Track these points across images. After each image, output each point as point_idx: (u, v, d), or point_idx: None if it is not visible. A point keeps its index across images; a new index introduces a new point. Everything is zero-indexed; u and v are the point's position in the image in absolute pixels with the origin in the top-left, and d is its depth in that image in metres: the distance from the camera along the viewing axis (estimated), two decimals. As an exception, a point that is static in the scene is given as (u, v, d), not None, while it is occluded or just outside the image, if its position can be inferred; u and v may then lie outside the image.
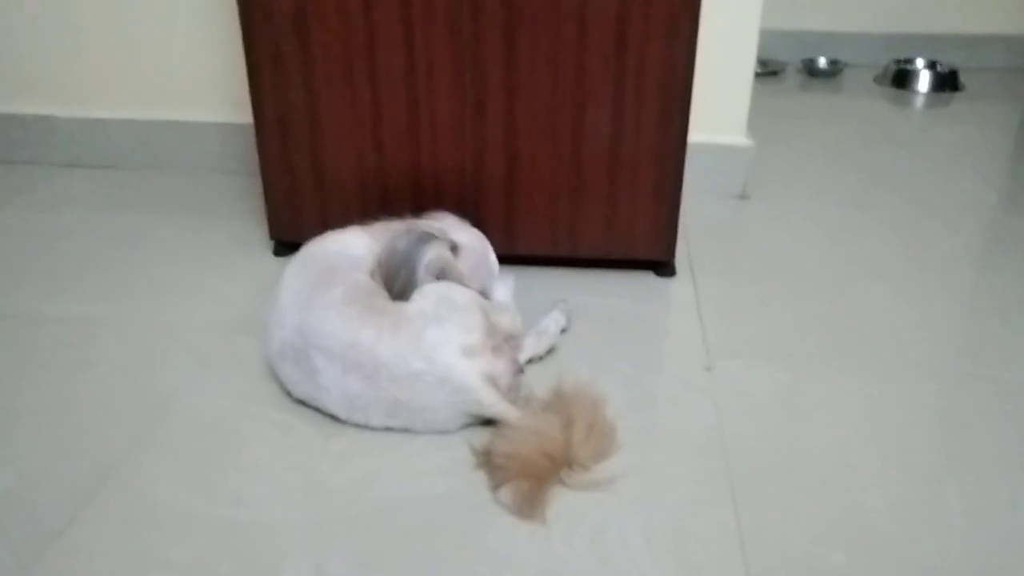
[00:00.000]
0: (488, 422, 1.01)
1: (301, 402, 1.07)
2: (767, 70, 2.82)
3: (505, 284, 1.27)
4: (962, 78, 2.75)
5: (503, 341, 1.05)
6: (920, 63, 2.81)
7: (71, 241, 1.54)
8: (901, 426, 1.06)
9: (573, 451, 0.95)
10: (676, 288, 1.39)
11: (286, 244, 1.46)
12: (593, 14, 1.23)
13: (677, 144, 1.31)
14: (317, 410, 1.06)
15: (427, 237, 1.13)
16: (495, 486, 0.93)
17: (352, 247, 1.14)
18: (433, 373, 0.98)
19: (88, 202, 1.72)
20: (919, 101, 2.61)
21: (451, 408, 1.00)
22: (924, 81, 2.72)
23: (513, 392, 1.02)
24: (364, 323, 1.01)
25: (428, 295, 1.07)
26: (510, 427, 0.97)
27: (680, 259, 1.46)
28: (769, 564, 0.85)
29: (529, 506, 0.90)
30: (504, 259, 1.42)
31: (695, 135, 1.63)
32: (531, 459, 0.93)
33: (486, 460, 0.96)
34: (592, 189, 1.35)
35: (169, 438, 1.02)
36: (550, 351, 1.18)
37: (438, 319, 1.02)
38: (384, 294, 1.10)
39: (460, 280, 1.12)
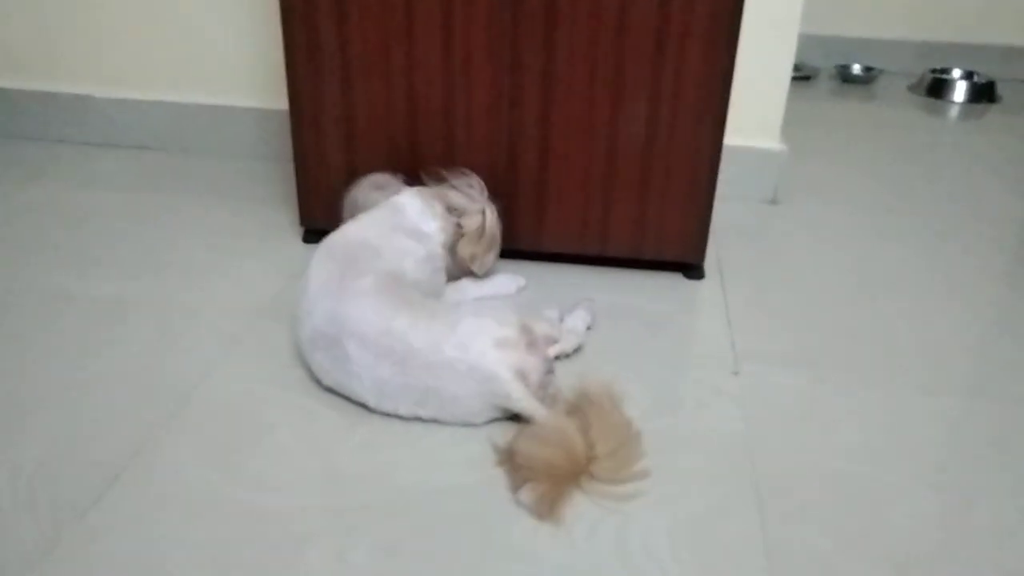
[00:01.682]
0: (514, 418, 1.01)
1: (330, 390, 1.07)
2: (801, 75, 2.79)
3: (490, 283, 1.30)
4: (999, 90, 2.72)
5: (538, 340, 1.05)
6: (957, 73, 2.78)
7: (101, 220, 1.55)
8: (929, 440, 1.05)
9: (596, 457, 0.94)
10: (704, 291, 1.38)
11: (316, 231, 1.46)
12: (634, 10, 1.22)
13: (712, 146, 1.30)
14: (343, 397, 1.06)
15: (379, 186, 1.22)
16: (515, 486, 0.93)
17: (371, 236, 1.16)
18: (465, 361, 0.99)
19: (120, 182, 1.73)
20: (954, 111, 2.58)
21: (480, 399, 1.00)
22: (960, 91, 2.68)
23: (542, 390, 1.02)
24: (398, 311, 1.02)
25: (467, 291, 1.08)
26: (534, 427, 0.97)
27: (709, 262, 1.45)
28: (793, 573, 0.84)
29: (548, 508, 0.90)
30: (533, 255, 1.42)
31: (728, 138, 1.61)
32: (553, 462, 0.92)
33: (508, 458, 0.96)
34: (624, 188, 1.34)
35: (195, 421, 1.03)
36: (577, 349, 1.17)
37: (475, 312, 1.03)
38: (417, 285, 1.11)
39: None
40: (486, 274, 1.31)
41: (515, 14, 1.25)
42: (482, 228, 1.26)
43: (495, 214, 1.28)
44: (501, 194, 1.37)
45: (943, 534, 0.90)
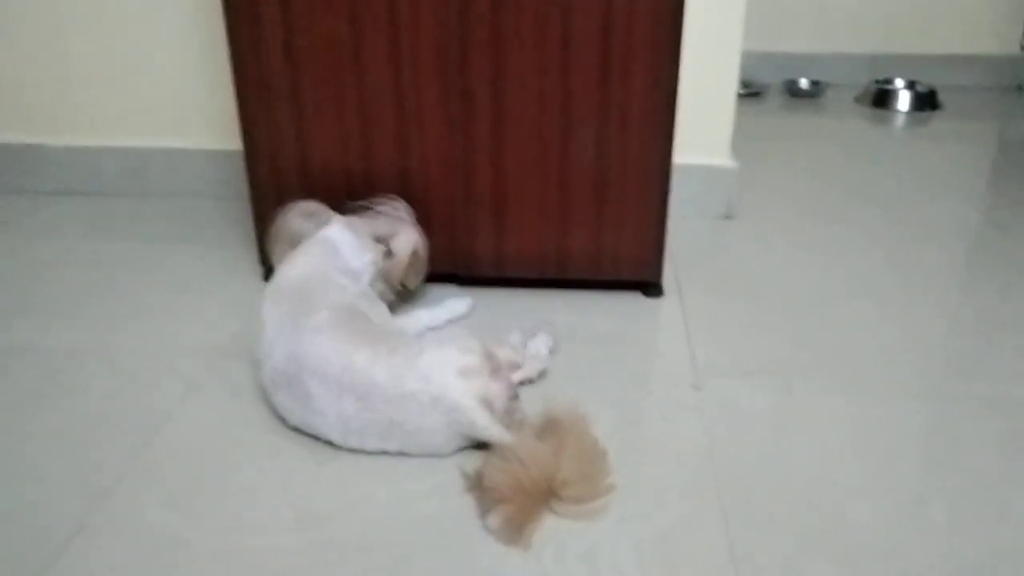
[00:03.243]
0: (481, 446, 1.02)
1: (296, 428, 1.07)
2: (749, 91, 2.85)
3: (440, 309, 1.32)
4: (941, 97, 2.80)
5: (501, 366, 1.06)
6: (900, 83, 2.85)
7: (59, 269, 1.54)
8: (887, 442, 1.07)
9: (563, 479, 0.94)
10: (664, 308, 1.40)
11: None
12: (577, 37, 1.25)
13: (663, 165, 1.33)
14: (309, 435, 1.06)
15: (307, 215, 1.24)
16: (484, 511, 0.93)
17: (312, 274, 1.17)
18: (428, 392, 0.99)
19: (76, 230, 1.72)
20: (899, 120, 2.65)
21: (445, 430, 1.00)
22: (904, 100, 2.76)
23: (508, 416, 1.03)
24: (356, 345, 1.02)
25: (420, 319, 1.10)
26: (501, 452, 0.97)
27: (667, 279, 1.48)
28: (760, 581, 0.86)
29: (516, 532, 0.90)
30: (493, 281, 1.44)
31: (680, 157, 1.64)
32: (521, 485, 0.93)
33: (476, 484, 0.96)
34: (579, 211, 1.36)
35: (160, 464, 1.02)
36: (541, 374, 1.19)
37: (437, 341, 1.04)
38: (368, 316, 1.11)
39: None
40: (415, 294, 1.35)
41: (462, 45, 1.27)
42: (413, 250, 1.30)
43: (422, 235, 1.32)
44: (458, 222, 1.39)
45: (900, 533, 0.92)
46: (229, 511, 0.95)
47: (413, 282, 1.33)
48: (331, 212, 1.29)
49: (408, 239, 1.30)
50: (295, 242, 1.25)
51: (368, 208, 1.32)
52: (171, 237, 1.68)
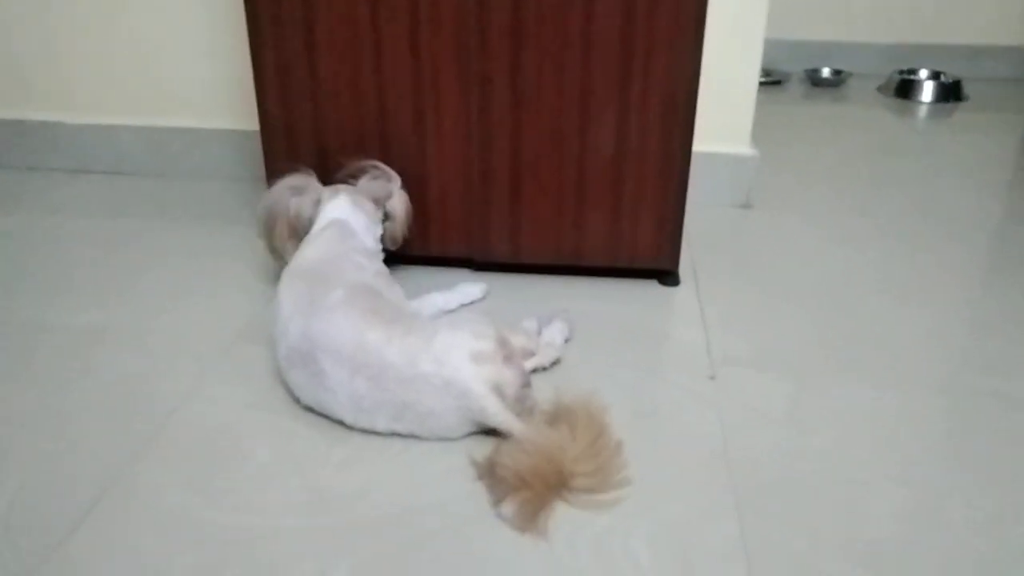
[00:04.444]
0: (492, 432, 1.01)
1: (309, 409, 1.07)
2: (771, 79, 2.82)
3: (454, 293, 1.33)
4: (966, 89, 2.76)
5: (514, 353, 1.05)
6: (924, 73, 2.82)
7: (75, 247, 1.55)
8: (905, 437, 1.06)
9: (575, 470, 0.94)
10: (680, 297, 1.39)
11: (291, 251, 1.46)
12: (598, 25, 1.24)
13: (681, 154, 1.31)
14: (322, 417, 1.06)
15: (297, 190, 1.25)
16: (496, 500, 0.93)
17: (331, 255, 1.18)
18: (441, 375, 0.99)
19: (93, 208, 1.73)
20: (922, 111, 2.62)
21: (456, 413, 1.00)
22: (928, 91, 2.72)
23: (519, 403, 1.02)
24: (372, 325, 1.02)
25: (434, 302, 1.15)
26: (513, 440, 0.97)
27: (684, 268, 1.46)
28: (773, 573, 0.85)
29: (530, 520, 0.90)
30: (509, 267, 1.43)
31: (699, 144, 1.63)
32: (533, 473, 0.92)
33: (488, 472, 0.96)
34: (597, 199, 1.35)
35: (174, 445, 1.03)
36: (555, 362, 1.18)
37: (452, 324, 1.04)
38: (385, 296, 1.12)
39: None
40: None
41: (482, 32, 1.26)
42: (407, 207, 1.34)
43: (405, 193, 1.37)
44: (475, 207, 1.38)
45: (916, 529, 0.91)
46: (243, 492, 0.95)
47: (404, 236, 1.37)
48: (318, 184, 1.29)
49: (402, 199, 1.34)
50: (296, 222, 1.25)
51: (353, 175, 1.34)
52: (188, 217, 1.68)
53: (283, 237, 1.26)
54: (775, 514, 0.93)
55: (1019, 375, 1.19)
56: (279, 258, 1.29)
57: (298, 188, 1.27)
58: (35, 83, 1.88)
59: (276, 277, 1.40)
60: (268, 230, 1.28)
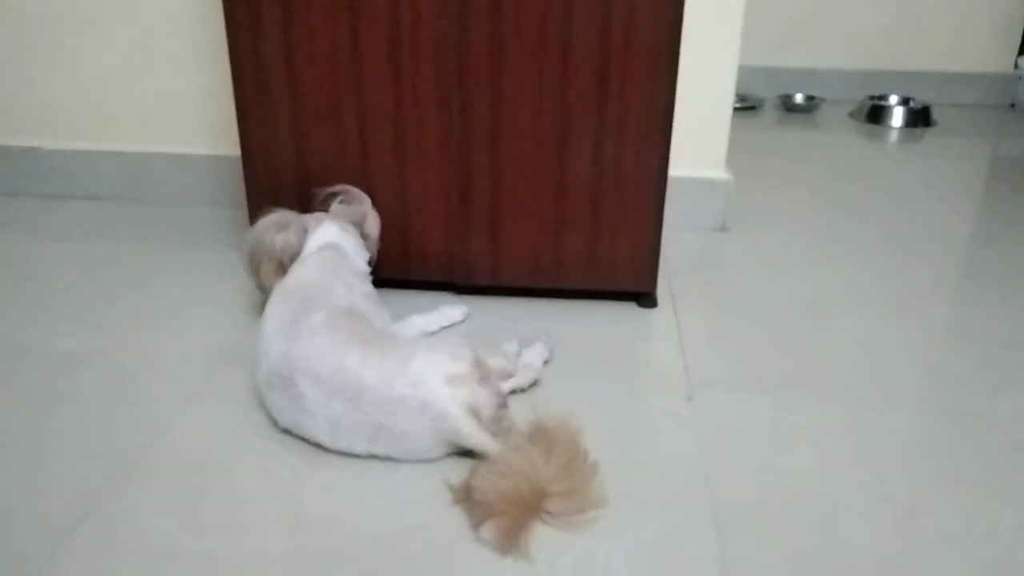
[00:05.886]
0: (469, 453, 1.02)
1: (287, 431, 1.07)
2: (745, 105, 2.87)
3: (435, 315, 1.34)
4: (935, 114, 2.82)
5: (491, 375, 1.06)
6: (894, 99, 2.88)
7: (55, 272, 1.54)
8: (878, 455, 1.08)
9: (550, 491, 0.94)
10: (658, 319, 1.41)
11: (272, 275, 1.47)
12: (576, 50, 1.26)
13: (658, 177, 1.34)
14: (302, 440, 1.06)
15: (280, 225, 1.25)
16: (475, 523, 0.93)
17: (322, 277, 1.19)
18: (417, 397, 0.99)
19: (74, 233, 1.72)
20: (893, 136, 2.68)
21: (432, 435, 1.01)
22: (898, 117, 2.78)
23: (495, 424, 1.03)
24: (350, 347, 1.03)
25: (415, 324, 1.17)
26: (489, 462, 0.97)
27: (662, 290, 1.48)
28: (751, 591, 0.86)
29: (511, 543, 0.90)
30: (489, 290, 1.44)
31: (675, 169, 1.66)
32: (511, 495, 0.92)
33: (465, 496, 0.96)
34: (575, 221, 1.37)
35: (154, 470, 1.02)
36: (534, 384, 1.19)
37: (428, 346, 1.04)
38: (368, 319, 1.12)
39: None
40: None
41: (460, 56, 1.28)
42: (379, 227, 1.38)
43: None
44: (455, 230, 1.40)
45: (894, 545, 0.92)
46: (222, 517, 0.95)
47: (375, 255, 1.40)
48: (301, 216, 1.30)
49: (375, 220, 1.38)
50: (283, 257, 1.25)
51: (328, 200, 1.36)
52: (168, 242, 1.68)
53: (269, 274, 1.26)
54: (753, 532, 0.94)
55: (994, 392, 1.22)
56: (268, 293, 1.29)
57: (281, 223, 1.28)
58: (14, 109, 1.87)
59: (257, 303, 1.41)
60: (255, 268, 1.28)
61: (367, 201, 1.36)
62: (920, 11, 2.96)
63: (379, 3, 1.27)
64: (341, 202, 1.35)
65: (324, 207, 1.36)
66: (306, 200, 1.37)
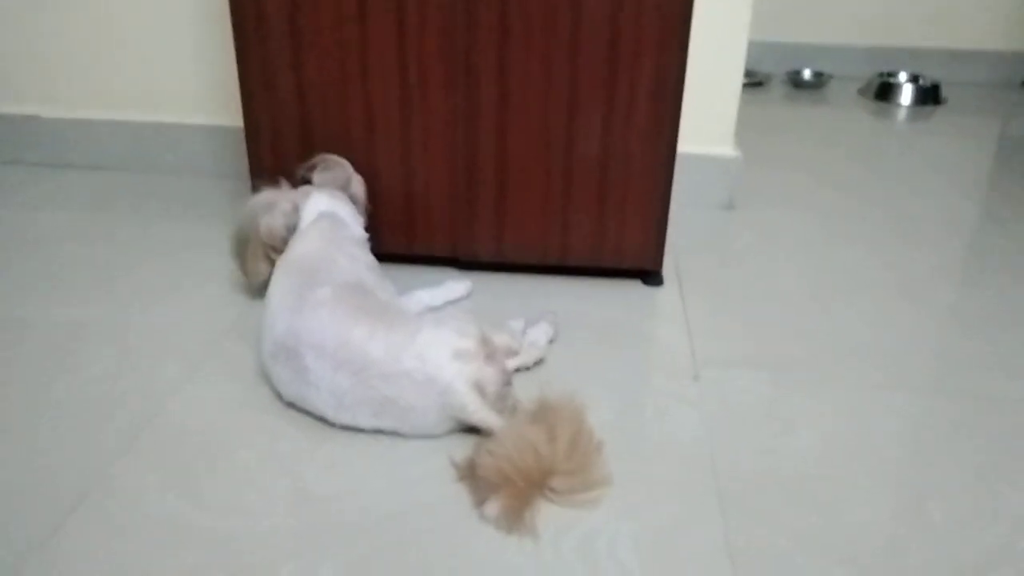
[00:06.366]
0: (474, 430, 1.02)
1: (291, 405, 1.07)
2: (753, 81, 2.84)
3: (440, 289, 1.33)
4: (944, 92, 2.79)
5: (497, 352, 1.05)
6: (903, 76, 2.85)
7: (56, 243, 1.53)
8: (885, 438, 1.07)
9: (554, 469, 0.94)
10: (664, 297, 1.40)
11: (275, 249, 1.45)
12: (586, 27, 1.24)
13: (667, 155, 1.32)
14: (306, 415, 1.06)
15: (266, 207, 1.24)
16: (479, 500, 0.92)
17: (325, 249, 1.17)
18: (423, 372, 0.99)
19: (75, 203, 1.71)
20: (902, 114, 2.65)
21: (437, 410, 1.00)
22: (907, 94, 2.75)
23: (500, 401, 1.02)
24: (356, 321, 1.02)
25: (420, 299, 1.22)
26: (494, 439, 0.97)
27: (668, 268, 1.47)
28: (756, 574, 0.86)
29: (515, 520, 0.90)
30: (494, 266, 1.43)
31: (683, 146, 1.64)
32: (515, 472, 0.92)
33: (469, 473, 0.96)
34: (582, 198, 1.36)
35: (157, 445, 1.02)
36: (538, 362, 1.18)
37: (435, 321, 1.04)
38: (375, 292, 1.11)
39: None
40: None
41: (468, 32, 1.26)
42: (365, 188, 1.36)
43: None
44: (460, 207, 1.38)
45: (899, 528, 0.92)
46: (225, 492, 0.94)
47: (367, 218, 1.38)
48: (288, 192, 1.28)
49: (360, 183, 1.36)
50: (270, 240, 1.24)
51: (309, 173, 1.34)
52: (171, 213, 1.67)
53: (255, 259, 1.26)
54: (759, 513, 0.94)
55: (1001, 375, 1.21)
56: (255, 278, 1.28)
57: (267, 205, 1.26)
58: (15, 77, 1.85)
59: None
60: (240, 254, 1.28)
61: (347, 165, 1.34)
62: (931, -13, 2.92)
63: (385, -27, 1.24)
64: (321, 171, 1.33)
65: (308, 180, 1.34)
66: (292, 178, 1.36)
